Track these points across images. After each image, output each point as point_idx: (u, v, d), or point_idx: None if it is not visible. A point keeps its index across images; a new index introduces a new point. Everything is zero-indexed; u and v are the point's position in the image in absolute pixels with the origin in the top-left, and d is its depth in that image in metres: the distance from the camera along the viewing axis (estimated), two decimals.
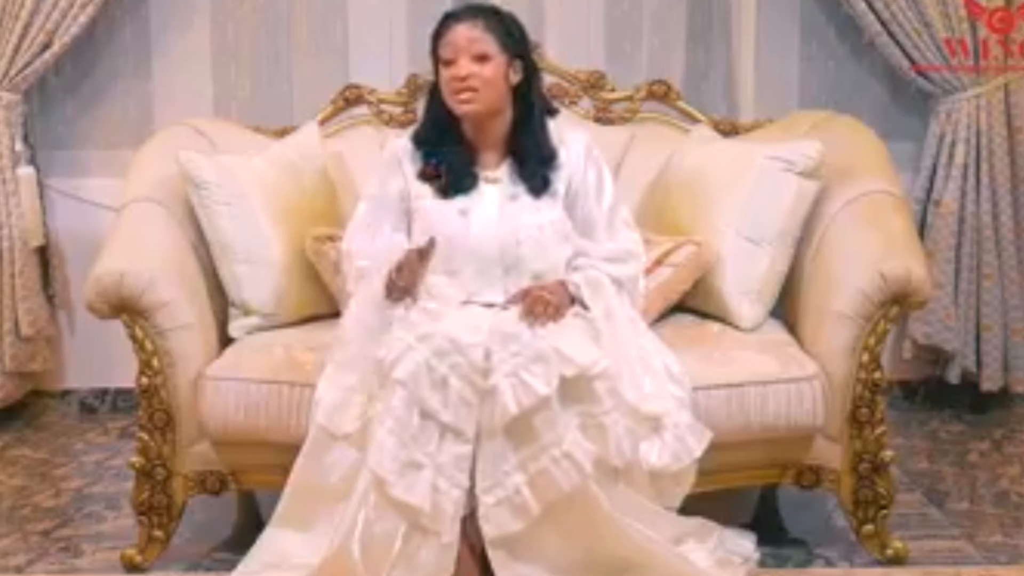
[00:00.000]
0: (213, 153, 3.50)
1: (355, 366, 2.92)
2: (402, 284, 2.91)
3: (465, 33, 3.02)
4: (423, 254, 2.92)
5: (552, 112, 3.20)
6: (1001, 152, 4.22)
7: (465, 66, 3.01)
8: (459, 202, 3.07)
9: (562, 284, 3.02)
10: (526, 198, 3.08)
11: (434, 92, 3.13)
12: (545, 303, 2.91)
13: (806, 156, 3.33)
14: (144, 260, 3.16)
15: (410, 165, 3.13)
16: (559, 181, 3.11)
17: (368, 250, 3.07)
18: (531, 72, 3.12)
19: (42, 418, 4.46)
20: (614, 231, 3.14)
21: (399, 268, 2.92)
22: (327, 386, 2.94)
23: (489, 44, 3.03)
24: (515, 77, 3.08)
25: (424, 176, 3.10)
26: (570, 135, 3.19)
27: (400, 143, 3.19)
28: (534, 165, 3.10)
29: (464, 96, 3.02)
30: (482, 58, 3.02)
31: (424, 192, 3.10)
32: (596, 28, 4.42)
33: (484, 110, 3.06)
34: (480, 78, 3.01)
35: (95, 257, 3.19)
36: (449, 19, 3.07)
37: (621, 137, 3.75)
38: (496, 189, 3.10)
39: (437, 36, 3.07)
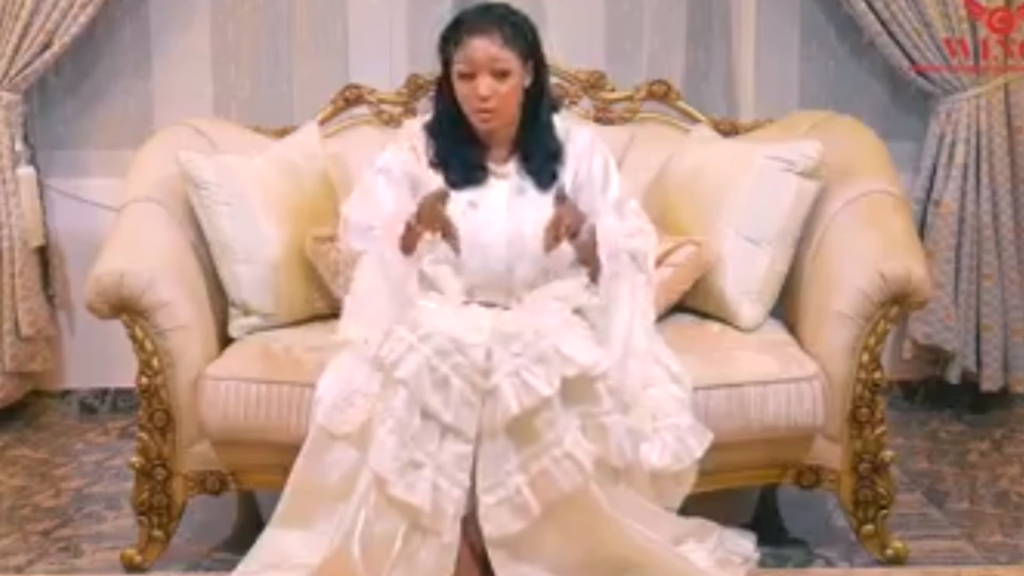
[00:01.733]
0: (213, 153, 3.50)
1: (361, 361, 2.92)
2: (420, 228, 2.94)
3: (484, 49, 3.01)
4: (440, 196, 2.92)
5: (555, 107, 3.22)
6: (1001, 152, 4.21)
7: (486, 84, 3.01)
8: (469, 194, 3.09)
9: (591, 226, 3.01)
10: (533, 192, 3.10)
11: (441, 89, 3.14)
12: (566, 224, 2.90)
13: (806, 156, 3.33)
14: (144, 260, 3.16)
15: (424, 149, 3.14)
16: (565, 175, 3.13)
17: (371, 219, 3.07)
18: (542, 71, 3.13)
19: (42, 418, 4.46)
20: (624, 220, 3.14)
21: (418, 215, 2.94)
22: (328, 385, 2.94)
23: (510, 60, 3.03)
24: (528, 79, 3.09)
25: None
26: (576, 130, 3.21)
27: (416, 127, 3.20)
28: (541, 160, 3.12)
29: (485, 116, 3.04)
30: (503, 74, 3.02)
31: (436, 179, 3.10)
32: (596, 28, 4.42)
33: (502, 123, 3.09)
34: (500, 96, 3.03)
35: (95, 257, 3.19)
36: (466, 29, 3.04)
37: (621, 137, 3.74)
38: (505, 183, 3.12)
39: (450, 42, 3.05)
